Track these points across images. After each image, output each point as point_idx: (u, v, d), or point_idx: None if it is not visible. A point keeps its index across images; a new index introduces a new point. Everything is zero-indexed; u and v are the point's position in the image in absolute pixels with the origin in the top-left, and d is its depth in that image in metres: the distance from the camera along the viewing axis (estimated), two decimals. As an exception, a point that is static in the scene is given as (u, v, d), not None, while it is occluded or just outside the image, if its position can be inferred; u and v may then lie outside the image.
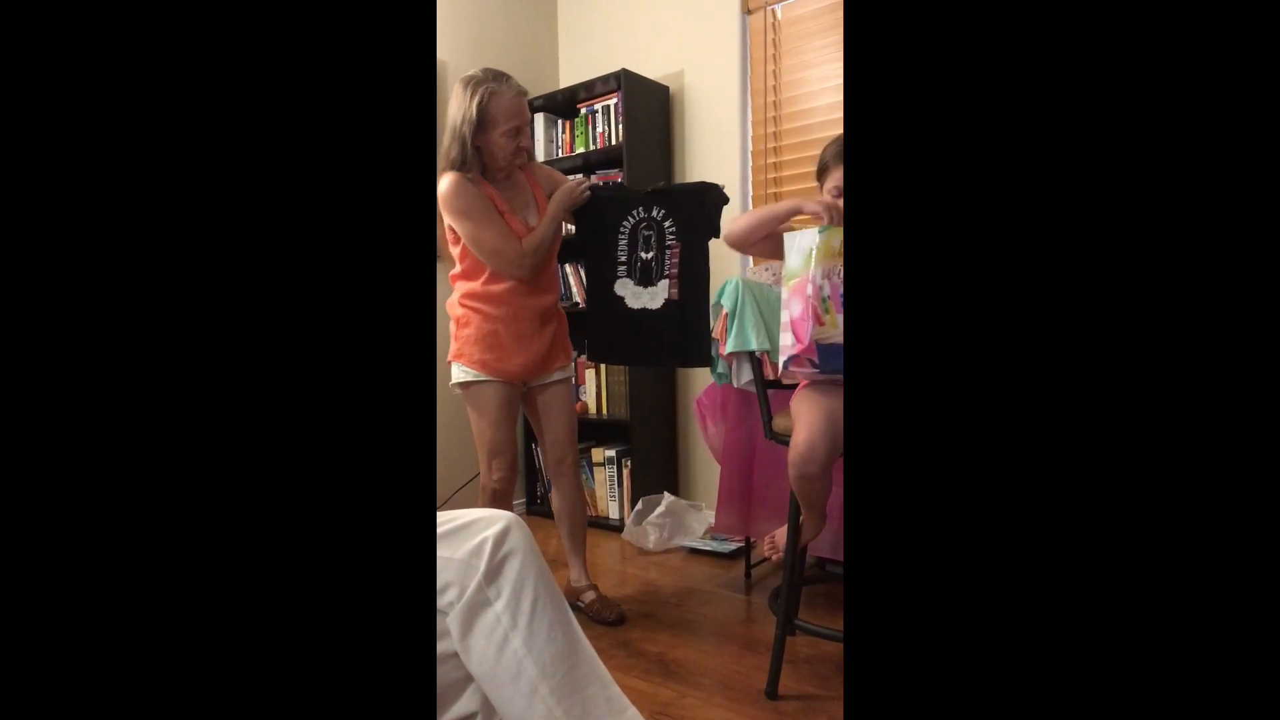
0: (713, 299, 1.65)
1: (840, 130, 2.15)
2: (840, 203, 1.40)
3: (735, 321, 1.73)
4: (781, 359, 1.32)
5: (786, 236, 1.34)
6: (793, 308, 1.30)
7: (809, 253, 1.28)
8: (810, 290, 1.27)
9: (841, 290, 1.26)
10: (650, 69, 2.55)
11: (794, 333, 1.29)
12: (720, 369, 1.80)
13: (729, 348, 1.71)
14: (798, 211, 1.38)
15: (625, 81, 2.37)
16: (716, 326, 1.65)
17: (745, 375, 1.60)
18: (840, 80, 2.15)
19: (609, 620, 1.71)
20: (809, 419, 1.29)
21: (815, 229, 1.29)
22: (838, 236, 1.27)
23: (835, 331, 1.26)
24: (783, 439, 1.42)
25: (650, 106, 2.47)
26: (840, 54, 2.16)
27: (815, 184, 1.54)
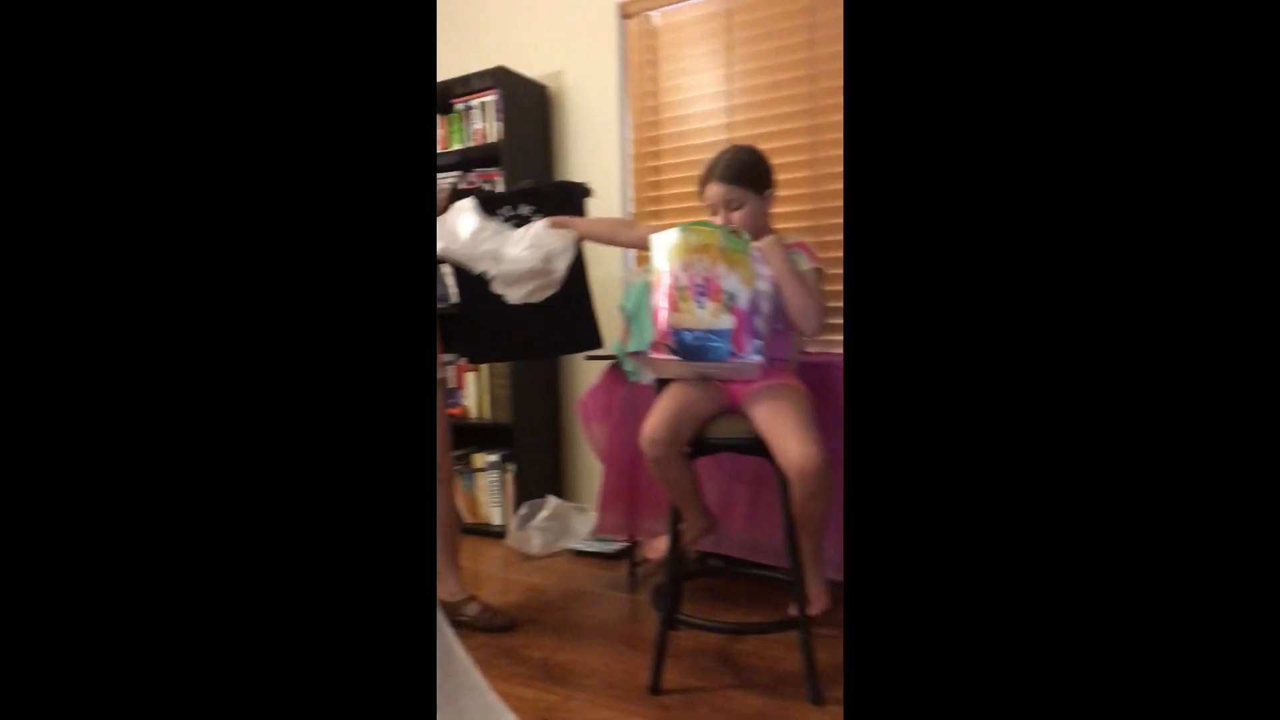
0: (618, 301, 1.74)
1: (718, 139, 2.21)
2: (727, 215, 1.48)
3: (635, 324, 1.82)
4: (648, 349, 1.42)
5: (652, 237, 1.41)
6: (657, 300, 1.40)
7: (669, 250, 1.39)
8: (669, 282, 1.38)
9: (699, 282, 1.35)
10: (528, 67, 2.51)
11: (655, 322, 1.40)
12: (629, 367, 1.89)
13: (630, 346, 1.85)
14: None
15: (502, 79, 2.32)
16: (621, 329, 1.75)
17: (650, 374, 1.72)
18: (719, 88, 2.22)
19: (500, 627, 1.68)
20: (659, 407, 1.42)
21: (677, 228, 1.37)
22: (695, 235, 1.37)
23: (690, 319, 1.36)
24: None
25: (529, 105, 2.44)
26: (717, 64, 2.22)
27: (697, 190, 1.60)
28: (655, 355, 1.39)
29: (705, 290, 1.36)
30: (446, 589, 1.74)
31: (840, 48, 2.03)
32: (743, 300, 1.36)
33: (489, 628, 1.68)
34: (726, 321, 1.35)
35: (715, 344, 1.36)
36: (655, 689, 1.37)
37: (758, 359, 1.37)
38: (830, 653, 1.51)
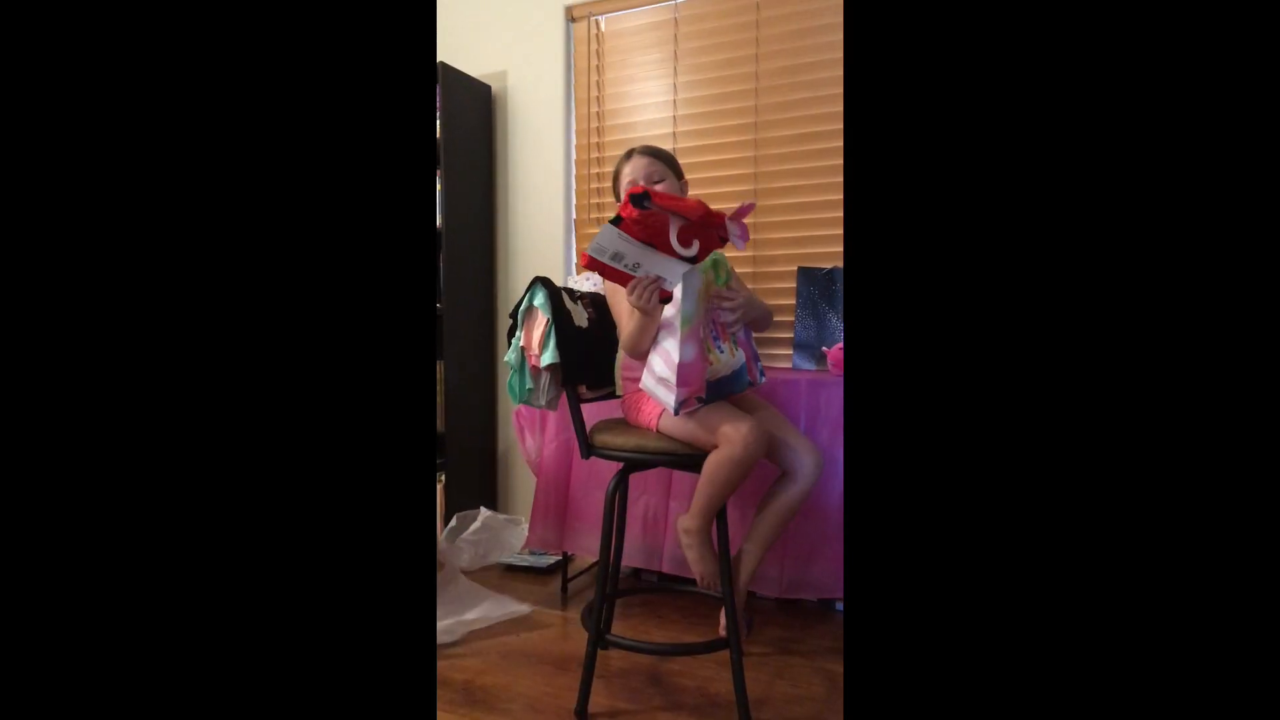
0: (524, 301, 1.45)
1: (664, 147, 2.19)
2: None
3: (552, 332, 1.55)
4: (674, 404, 1.28)
5: (685, 276, 1.23)
6: (686, 352, 1.26)
7: (698, 294, 1.27)
8: (703, 333, 1.31)
9: (710, 326, 1.33)
10: (471, 66, 2.45)
11: (686, 377, 1.27)
12: (529, 385, 1.48)
13: (545, 360, 1.44)
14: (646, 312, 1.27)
15: (443, 75, 2.25)
16: (522, 335, 1.46)
17: (553, 391, 1.47)
18: (664, 97, 2.20)
19: None
20: (738, 420, 1.27)
21: (698, 267, 1.25)
22: (704, 275, 1.29)
23: (720, 366, 1.33)
24: (604, 454, 1.39)
25: (471, 104, 2.37)
26: (664, 72, 2.20)
27: (611, 185, 1.56)
28: (687, 410, 1.29)
29: (718, 332, 1.34)
30: None
31: (783, 64, 2.05)
32: (740, 331, 1.38)
33: None
34: (740, 358, 1.35)
35: (739, 381, 1.35)
36: (582, 712, 1.32)
37: (763, 380, 1.41)
38: (758, 672, 1.49)
